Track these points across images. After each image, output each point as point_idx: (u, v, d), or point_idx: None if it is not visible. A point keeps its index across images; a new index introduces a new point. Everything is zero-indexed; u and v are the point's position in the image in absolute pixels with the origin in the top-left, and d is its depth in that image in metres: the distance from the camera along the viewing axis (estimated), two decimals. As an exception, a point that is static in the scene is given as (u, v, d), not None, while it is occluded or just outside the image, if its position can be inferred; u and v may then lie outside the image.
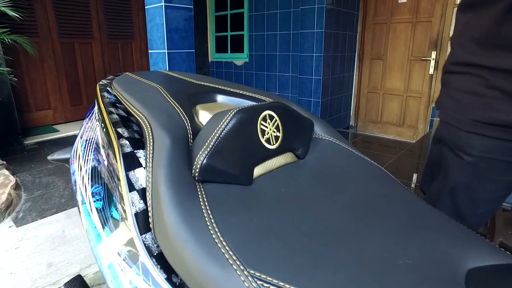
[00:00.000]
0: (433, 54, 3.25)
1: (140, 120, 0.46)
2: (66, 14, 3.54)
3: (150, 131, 0.43)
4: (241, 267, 0.29)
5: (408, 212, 0.38)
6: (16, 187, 2.02)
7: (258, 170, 0.43)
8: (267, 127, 0.44)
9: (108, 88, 0.62)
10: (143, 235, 0.38)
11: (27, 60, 3.34)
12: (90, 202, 0.45)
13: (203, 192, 0.38)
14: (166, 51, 1.73)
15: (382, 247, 0.32)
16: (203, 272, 0.29)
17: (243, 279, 0.28)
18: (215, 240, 0.32)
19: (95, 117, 0.57)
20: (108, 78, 0.69)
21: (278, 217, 0.36)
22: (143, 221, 0.39)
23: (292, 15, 3.52)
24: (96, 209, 0.44)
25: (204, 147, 0.39)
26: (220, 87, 0.54)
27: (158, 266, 0.35)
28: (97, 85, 0.66)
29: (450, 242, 0.33)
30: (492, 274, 0.29)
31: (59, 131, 3.44)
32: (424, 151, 2.97)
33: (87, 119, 0.61)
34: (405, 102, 3.54)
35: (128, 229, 0.39)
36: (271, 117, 0.45)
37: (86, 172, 0.49)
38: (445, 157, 0.71)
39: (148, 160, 0.41)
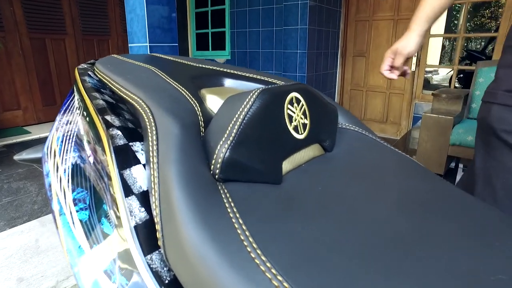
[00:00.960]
0: (415, 51, 3.28)
1: (136, 105, 0.36)
2: (35, 7, 3.31)
3: (151, 117, 0.34)
4: None
5: (469, 213, 0.32)
6: (-18, 194, 1.84)
7: (285, 165, 0.36)
8: (294, 113, 0.36)
9: (89, 73, 0.52)
10: (148, 256, 0.28)
11: (-7, 57, 3.11)
12: (71, 212, 0.35)
13: (227, 195, 0.29)
14: (148, 44, 1.61)
15: (462, 258, 0.25)
16: None
17: None
18: (255, 260, 0.23)
19: (75, 106, 0.47)
20: (89, 62, 0.59)
21: (326, 224, 0.28)
22: (147, 237, 0.30)
23: (275, 11, 3.47)
24: (80, 221, 0.34)
25: (226, 135, 0.30)
26: (225, 70, 0.46)
27: None
28: (76, 69, 0.56)
29: None
30: None
31: (30, 132, 3.22)
32: (408, 148, 3.00)
33: (63, 110, 0.51)
34: (388, 99, 3.57)
35: (126, 247, 0.29)
36: (298, 101, 0.37)
37: (64, 172, 0.39)
38: (476, 140, 0.67)
39: (151, 154, 0.31)
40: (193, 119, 0.34)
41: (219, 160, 0.30)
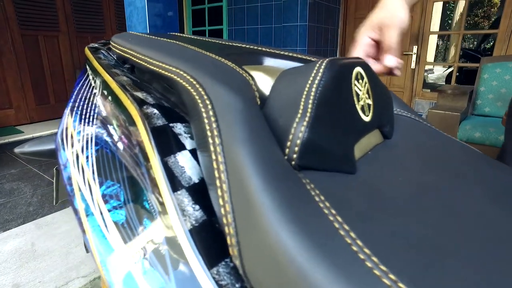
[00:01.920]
0: (415, 49, 3.27)
1: (177, 78, 0.29)
2: (27, 3, 3.21)
3: (201, 89, 0.27)
4: None
5: None
6: (-27, 195, 1.76)
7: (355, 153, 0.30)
8: (360, 90, 0.31)
9: (102, 51, 0.46)
10: (214, 269, 0.22)
11: (-17, 54, 3.00)
12: (102, 212, 0.28)
13: (312, 185, 0.23)
14: (148, 38, 1.55)
15: None
16: None
17: None
18: (375, 271, 0.18)
19: (91, 86, 0.40)
20: (100, 42, 0.53)
21: (426, 221, 0.23)
22: (208, 243, 0.23)
23: (274, 8, 3.42)
24: (115, 223, 0.26)
25: (300, 112, 0.24)
26: (261, 48, 0.41)
27: None
28: (86, 48, 0.50)
29: None
30: None
31: (23, 132, 3.12)
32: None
33: (75, 91, 0.44)
34: (388, 96, 3.54)
35: (183, 258, 0.23)
36: (362, 78, 0.32)
37: (87, 161, 0.32)
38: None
39: (209, 134, 0.25)
40: (252, 93, 0.28)
41: (297, 142, 0.24)
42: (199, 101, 0.27)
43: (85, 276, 1.24)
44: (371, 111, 0.32)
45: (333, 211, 0.21)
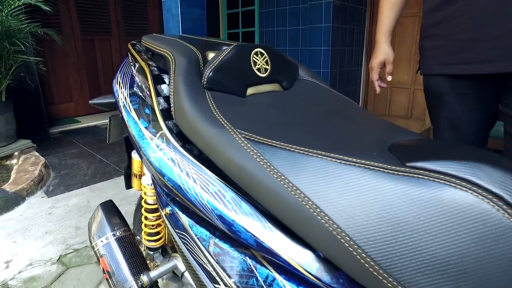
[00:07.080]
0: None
1: (166, 54, 0.61)
2: (87, 12, 3.76)
3: (172, 57, 0.58)
4: (232, 128, 0.43)
5: (358, 116, 0.52)
6: (46, 166, 2.22)
7: (250, 91, 0.57)
8: (258, 60, 0.58)
9: (137, 45, 0.78)
10: (167, 122, 0.54)
11: (52, 57, 3.58)
12: (129, 105, 0.63)
13: (208, 94, 0.52)
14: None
15: (334, 129, 0.46)
16: (208, 133, 0.44)
17: (233, 134, 0.42)
18: (217, 117, 0.46)
19: (130, 63, 0.73)
20: (136, 40, 0.85)
21: (263, 110, 0.50)
22: (166, 114, 0.55)
23: (301, 10, 3.64)
24: (134, 108, 0.61)
25: (211, 65, 0.54)
26: (229, 42, 0.69)
27: (177, 138, 0.51)
28: (129, 44, 0.82)
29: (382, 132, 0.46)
30: (409, 144, 0.41)
31: (80, 122, 3.66)
32: (430, 141, 3.02)
33: (121, 67, 0.77)
34: (413, 95, 3.60)
35: (157, 119, 0.55)
36: (262, 54, 0.58)
37: (125, 89, 0.67)
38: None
39: (171, 72, 0.55)
40: (196, 59, 0.57)
41: (206, 76, 0.53)
42: (171, 62, 0.56)
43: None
44: (268, 72, 0.59)
45: (212, 102, 0.48)
